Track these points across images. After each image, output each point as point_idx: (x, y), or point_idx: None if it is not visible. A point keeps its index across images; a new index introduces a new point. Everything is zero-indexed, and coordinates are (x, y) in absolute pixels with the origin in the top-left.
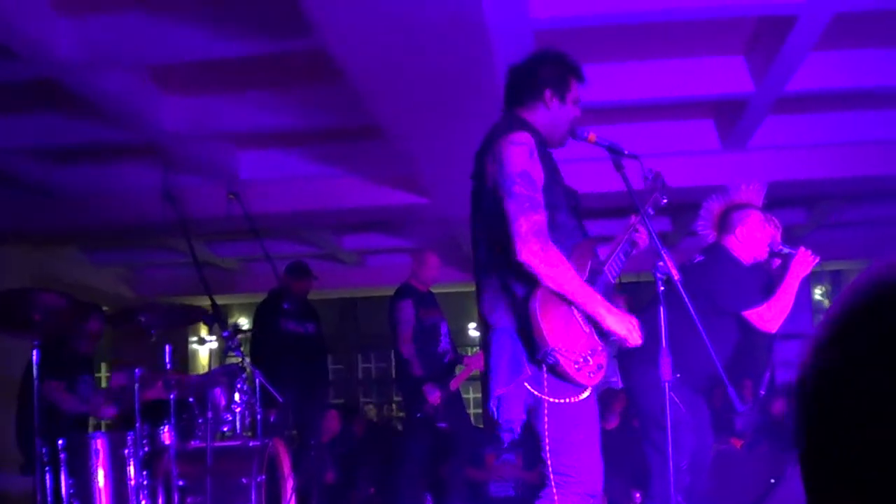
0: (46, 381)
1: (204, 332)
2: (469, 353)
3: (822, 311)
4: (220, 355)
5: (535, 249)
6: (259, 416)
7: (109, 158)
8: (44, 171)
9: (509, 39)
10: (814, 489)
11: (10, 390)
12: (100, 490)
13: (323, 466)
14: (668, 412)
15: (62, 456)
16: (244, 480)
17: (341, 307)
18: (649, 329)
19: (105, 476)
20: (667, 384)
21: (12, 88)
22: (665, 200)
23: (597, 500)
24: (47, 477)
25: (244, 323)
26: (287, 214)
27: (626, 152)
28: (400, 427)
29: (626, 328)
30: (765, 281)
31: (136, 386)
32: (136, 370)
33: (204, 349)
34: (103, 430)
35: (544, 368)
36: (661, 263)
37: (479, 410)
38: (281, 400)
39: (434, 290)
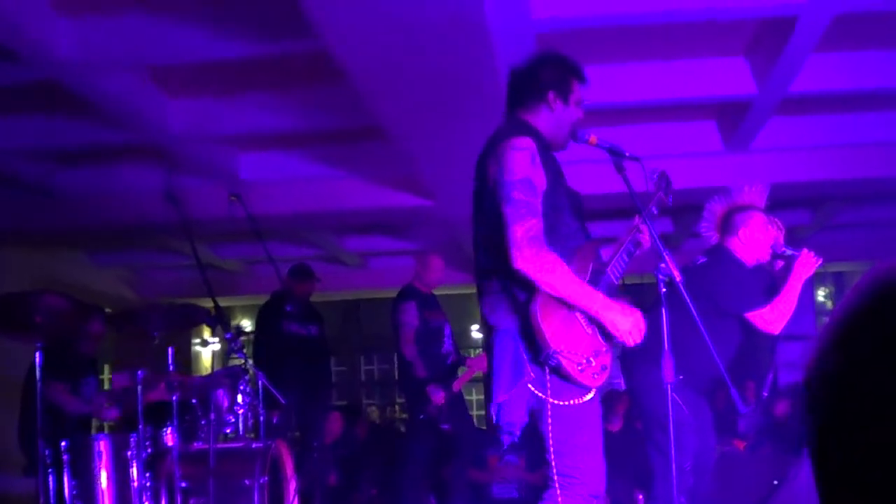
0: (49, 383)
1: (207, 333)
2: (472, 355)
3: (825, 312)
4: (222, 357)
5: (529, 256)
6: (262, 418)
7: (111, 160)
8: (45, 172)
9: (511, 40)
10: (822, 491)
11: (12, 392)
12: (103, 492)
13: (326, 468)
14: (670, 414)
15: (65, 458)
16: (247, 482)
17: (344, 309)
18: (652, 331)
19: (108, 478)
20: (669, 386)
21: (13, 89)
22: (671, 200)
23: (600, 501)
24: (50, 479)
25: (247, 325)
26: (289, 216)
27: (627, 154)
28: (403, 429)
29: (629, 323)
30: (768, 283)
31: (139, 388)
32: (139, 372)
33: (207, 351)
34: (106, 431)
35: (547, 370)
36: (663, 265)
37: (482, 412)
38: (284, 402)
39: (436, 292)
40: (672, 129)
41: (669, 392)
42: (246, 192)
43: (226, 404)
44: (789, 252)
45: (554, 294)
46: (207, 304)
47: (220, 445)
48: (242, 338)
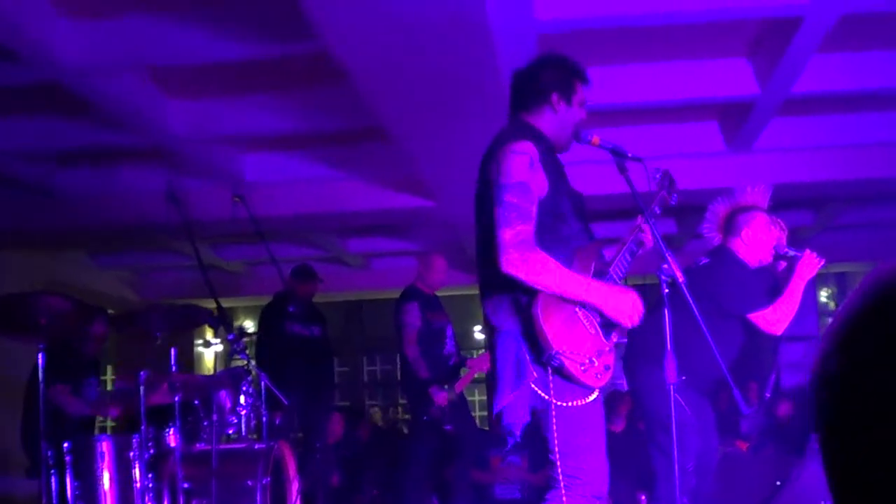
0: (52, 384)
1: (209, 335)
2: (473, 356)
3: (827, 313)
4: (225, 358)
5: (515, 259)
6: (264, 419)
7: (112, 160)
8: (46, 173)
9: (512, 41)
10: (833, 491)
11: (15, 393)
12: (105, 493)
13: (328, 469)
14: (673, 415)
15: (67, 459)
16: (249, 483)
17: (347, 310)
18: (654, 332)
19: (110, 479)
20: (672, 387)
21: (14, 91)
22: (675, 199)
23: (603, 502)
24: (53, 480)
25: (249, 326)
26: (291, 217)
27: (629, 155)
28: (405, 430)
29: (628, 304)
30: (770, 283)
31: (142, 389)
32: (142, 373)
33: (209, 352)
34: (109, 432)
35: (550, 371)
36: (665, 266)
37: (485, 413)
38: (286, 402)
39: (439, 293)
40: (674, 129)
41: (672, 393)
42: (248, 194)
43: (228, 405)
44: (792, 253)
45: (548, 292)
46: (210, 305)
47: (222, 446)
48: (245, 339)
